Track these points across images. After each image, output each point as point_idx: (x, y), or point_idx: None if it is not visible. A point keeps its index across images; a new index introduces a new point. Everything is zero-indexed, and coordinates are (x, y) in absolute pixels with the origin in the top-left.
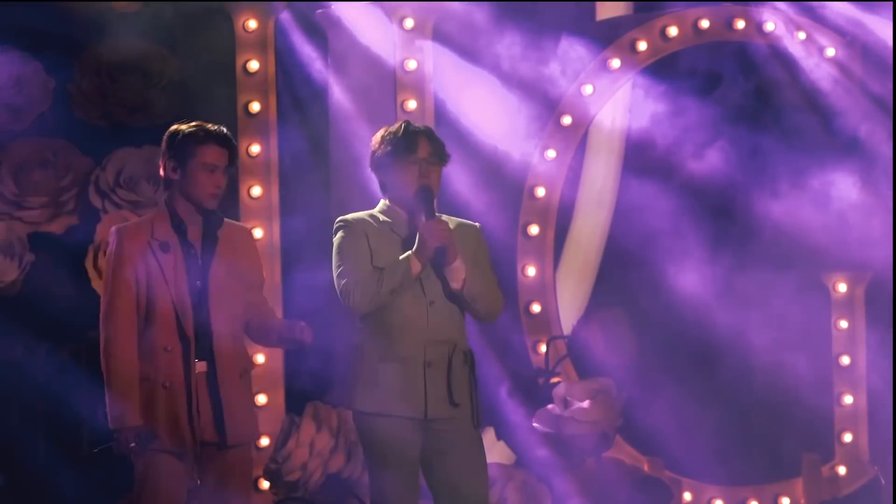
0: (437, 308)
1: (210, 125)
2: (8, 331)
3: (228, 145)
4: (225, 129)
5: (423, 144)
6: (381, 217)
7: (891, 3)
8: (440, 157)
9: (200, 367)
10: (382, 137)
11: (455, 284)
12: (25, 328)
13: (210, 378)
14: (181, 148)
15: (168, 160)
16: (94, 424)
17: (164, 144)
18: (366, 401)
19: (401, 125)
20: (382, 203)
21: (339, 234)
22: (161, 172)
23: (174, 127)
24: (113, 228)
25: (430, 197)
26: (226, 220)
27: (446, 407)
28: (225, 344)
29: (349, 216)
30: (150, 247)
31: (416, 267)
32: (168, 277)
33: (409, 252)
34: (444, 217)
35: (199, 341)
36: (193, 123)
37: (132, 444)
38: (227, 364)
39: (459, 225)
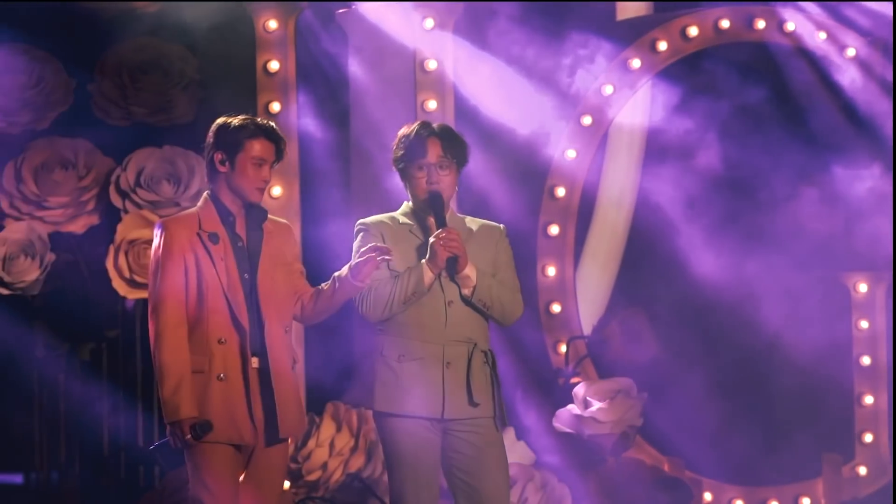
0: (455, 308)
1: (259, 119)
2: (28, 330)
3: (277, 140)
4: (273, 124)
5: (434, 147)
6: (402, 219)
7: (891, 2)
8: (454, 158)
9: (254, 360)
10: (398, 139)
11: (465, 291)
12: (46, 327)
13: (263, 371)
14: (231, 140)
15: (216, 152)
16: (114, 423)
17: (211, 136)
18: (385, 400)
19: (413, 127)
20: (405, 205)
21: (358, 237)
22: (206, 164)
23: (223, 119)
24: (158, 222)
25: (441, 204)
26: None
27: (465, 407)
28: (276, 336)
29: (368, 219)
30: (199, 238)
31: (429, 276)
32: (219, 269)
33: (422, 261)
34: (468, 218)
35: (253, 333)
36: (243, 116)
37: (188, 437)
38: (279, 356)
39: (481, 227)
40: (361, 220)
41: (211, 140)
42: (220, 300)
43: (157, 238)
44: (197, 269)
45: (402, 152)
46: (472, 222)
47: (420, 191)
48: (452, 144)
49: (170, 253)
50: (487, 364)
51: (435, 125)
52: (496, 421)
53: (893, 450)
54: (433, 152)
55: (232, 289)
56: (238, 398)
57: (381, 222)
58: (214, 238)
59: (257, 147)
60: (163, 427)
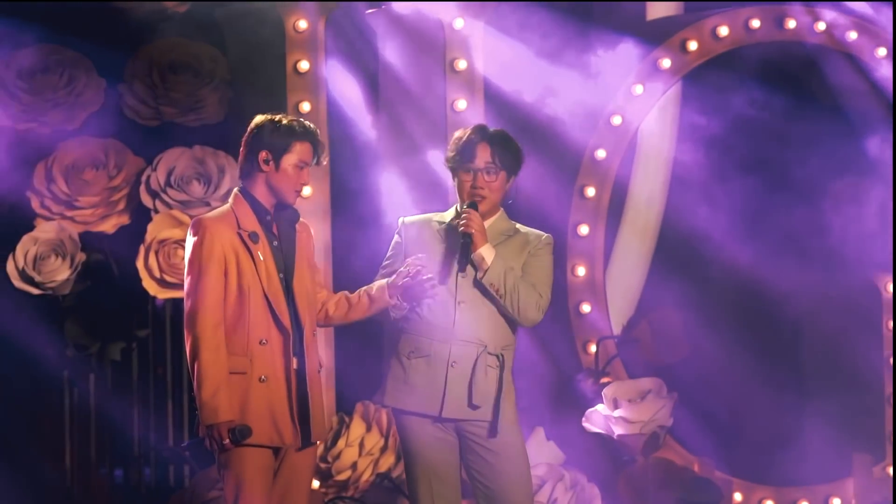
0: (465, 308)
1: (304, 121)
2: (58, 330)
3: (318, 144)
4: (316, 129)
5: (483, 153)
6: (444, 221)
7: (891, 2)
8: (503, 165)
9: (293, 361)
10: (452, 141)
11: (479, 273)
12: (76, 327)
13: (300, 372)
14: (279, 141)
15: (262, 150)
16: (144, 423)
17: (256, 133)
18: (391, 395)
19: (467, 130)
20: (455, 205)
21: (395, 236)
22: (244, 159)
23: (268, 117)
24: (196, 219)
25: (468, 244)
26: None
27: (464, 408)
28: (309, 338)
29: (409, 218)
30: (240, 237)
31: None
32: (259, 269)
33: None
34: (518, 225)
35: (293, 336)
36: (288, 117)
37: (226, 441)
38: (312, 358)
39: (524, 232)
40: (402, 218)
41: (255, 137)
42: (260, 301)
43: (194, 236)
44: (237, 269)
45: (452, 154)
46: (520, 228)
47: (465, 194)
48: (503, 151)
49: (210, 253)
50: (495, 368)
51: (490, 130)
52: (490, 426)
53: (894, 450)
54: (481, 157)
55: (272, 289)
56: (280, 400)
57: (421, 221)
58: (255, 237)
59: (302, 150)
60: (193, 427)
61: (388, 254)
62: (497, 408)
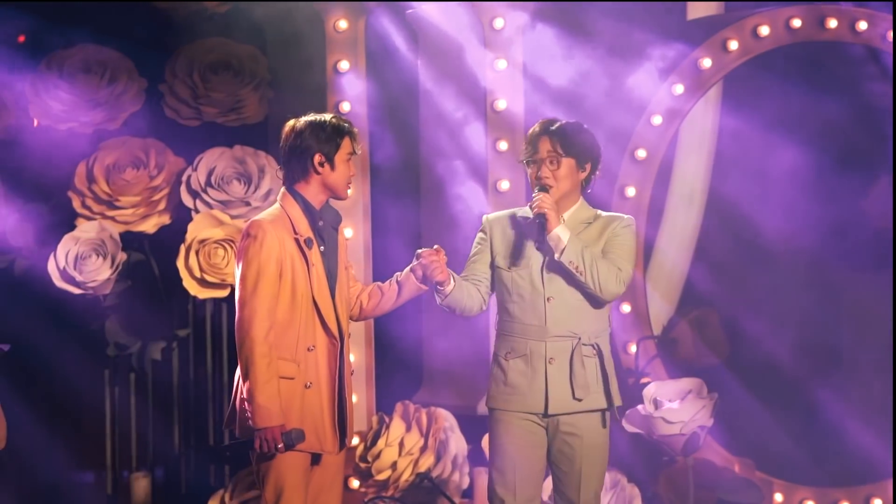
0: (555, 304)
1: (338, 114)
2: (99, 329)
3: (355, 133)
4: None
5: (544, 144)
6: (521, 213)
7: (891, 2)
8: (566, 153)
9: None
10: (526, 137)
11: (556, 254)
12: (117, 327)
13: (341, 377)
14: (331, 140)
15: (313, 154)
16: (185, 422)
17: (302, 139)
18: (494, 397)
19: (537, 125)
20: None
21: (478, 233)
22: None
23: (311, 119)
24: (255, 221)
25: (542, 224)
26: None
27: (569, 402)
28: (348, 343)
29: (492, 214)
30: (296, 243)
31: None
32: (311, 275)
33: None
34: (599, 212)
35: (341, 340)
36: (327, 115)
37: (280, 444)
38: (348, 363)
39: (604, 216)
40: (486, 216)
41: (304, 141)
42: (309, 306)
43: (252, 239)
44: (292, 274)
45: (522, 148)
46: (601, 214)
47: (533, 185)
48: (564, 140)
49: (269, 256)
50: (595, 357)
51: (555, 124)
52: (604, 414)
53: (894, 449)
54: (543, 149)
55: (321, 295)
56: (323, 406)
57: (500, 217)
58: (310, 243)
59: (350, 143)
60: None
61: (473, 250)
62: (609, 395)
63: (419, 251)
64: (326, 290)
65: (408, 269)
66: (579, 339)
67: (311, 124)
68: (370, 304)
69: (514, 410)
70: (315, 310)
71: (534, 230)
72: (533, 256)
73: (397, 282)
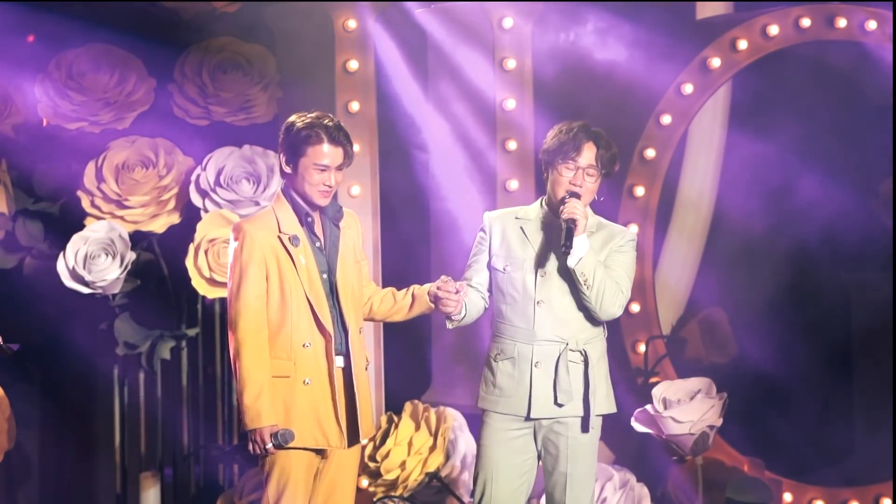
0: (544, 308)
1: (326, 119)
2: (108, 328)
3: (343, 143)
4: (340, 124)
5: (589, 151)
6: (528, 215)
7: (891, 2)
8: (603, 168)
9: (337, 359)
10: (555, 132)
11: (572, 260)
12: (126, 326)
13: (346, 371)
14: (293, 144)
15: (280, 153)
16: (194, 421)
17: (280, 137)
18: (483, 398)
19: (574, 125)
20: (539, 201)
21: (478, 234)
22: (280, 163)
23: (289, 119)
24: (236, 224)
25: (571, 230)
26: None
27: (551, 407)
28: (355, 336)
29: (493, 213)
30: (280, 241)
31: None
32: (300, 272)
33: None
34: (600, 219)
35: (336, 335)
36: (309, 117)
37: (268, 445)
38: (358, 357)
39: (606, 227)
40: (487, 213)
41: (279, 140)
42: (302, 304)
43: (235, 241)
44: (279, 273)
45: (554, 145)
46: (602, 222)
47: (559, 187)
48: (606, 154)
49: (250, 257)
50: (581, 363)
51: (595, 130)
52: (581, 422)
53: (894, 449)
54: (587, 156)
55: (314, 292)
56: (325, 402)
57: (500, 216)
58: (295, 241)
59: (320, 152)
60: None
61: (474, 250)
62: (587, 404)
63: (441, 282)
64: (320, 286)
65: (425, 287)
66: (566, 344)
67: (285, 125)
68: (381, 309)
69: (501, 412)
70: (309, 307)
71: (552, 233)
72: (527, 259)
73: (412, 295)
